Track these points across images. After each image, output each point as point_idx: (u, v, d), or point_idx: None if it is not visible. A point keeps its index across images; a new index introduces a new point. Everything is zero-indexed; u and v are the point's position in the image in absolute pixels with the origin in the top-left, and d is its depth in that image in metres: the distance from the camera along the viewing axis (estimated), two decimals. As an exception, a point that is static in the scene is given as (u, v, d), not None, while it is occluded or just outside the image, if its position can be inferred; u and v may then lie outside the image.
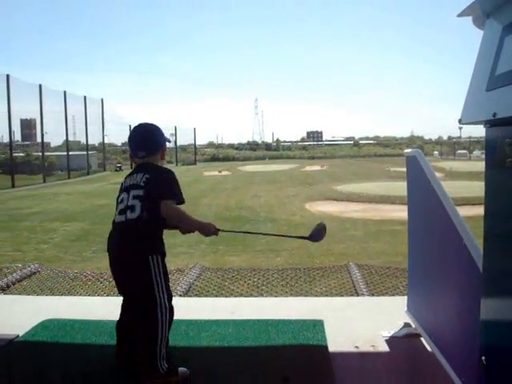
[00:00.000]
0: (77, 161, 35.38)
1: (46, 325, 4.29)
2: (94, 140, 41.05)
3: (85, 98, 36.73)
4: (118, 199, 3.37)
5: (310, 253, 8.18)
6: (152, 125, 3.52)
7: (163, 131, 3.57)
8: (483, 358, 1.75)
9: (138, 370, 3.20)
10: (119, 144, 57.97)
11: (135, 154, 3.44)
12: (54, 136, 35.91)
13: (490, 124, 1.73)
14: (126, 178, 3.43)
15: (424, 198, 3.50)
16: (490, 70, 1.66)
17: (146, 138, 3.45)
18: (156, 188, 3.20)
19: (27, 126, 41.66)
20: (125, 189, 3.34)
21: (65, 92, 33.66)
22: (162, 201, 3.13)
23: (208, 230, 3.28)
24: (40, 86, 30.06)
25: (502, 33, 1.65)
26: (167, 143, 3.63)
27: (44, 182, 28.41)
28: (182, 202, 3.23)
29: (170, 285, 5.90)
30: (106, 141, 43.22)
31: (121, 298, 5.43)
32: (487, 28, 1.78)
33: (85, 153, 36.96)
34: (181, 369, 3.28)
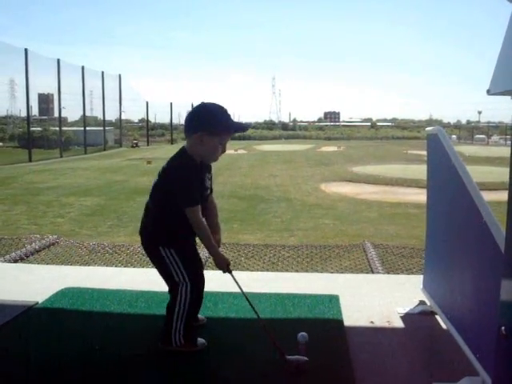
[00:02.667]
0: (93, 136, 35.47)
1: (65, 293, 4.36)
2: (111, 116, 41.16)
3: (102, 73, 36.78)
4: None
5: (324, 233, 8.19)
6: (203, 106, 3.29)
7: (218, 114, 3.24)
8: (503, 328, 1.76)
9: (162, 332, 3.32)
10: (136, 120, 58.17)
11: None
12: (71, 111, 36.20)
13: (519, 95, 1.72)
14: None
15: (444, 175, 3.48)
16: (522, 39, 1.65)
17: (187, 119, 3.31)
18: (168, 187, 3.22)
19: (45, 100, 41.87)
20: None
21: (83, 67, 33.70)
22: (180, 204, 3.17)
23: (221, 263, 3.26)
24: (58, 60, 30.11)
25: (536, 2, 1.63)
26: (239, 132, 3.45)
27: (61, 156, 28.60)
28: (190, 206, 3.14)
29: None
30: (122, 117, 43.35)
31: (141, 270, 5.54)
32: (520, -2, 1.76)
33: (101, 128, 37.07)
34: (199, 339, 3.33)
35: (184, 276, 3.23)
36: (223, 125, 3.22)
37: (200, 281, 3.32)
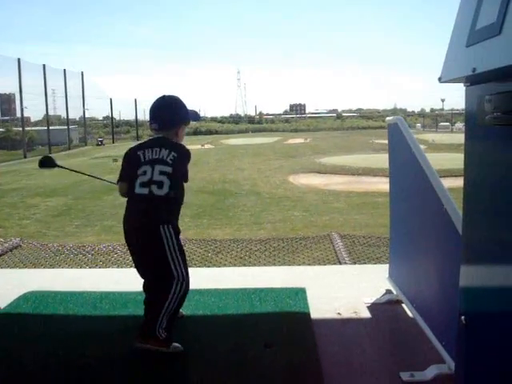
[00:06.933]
0: (58, 135, 34.81)
1: (27, 297, 4.26)
2: (75, 114, 40.53)
3: (64, 71, 36.12)
4: (136, 170, 3.31)
5: (294, 225, 8.20)
6: (173, 99, 3.49)
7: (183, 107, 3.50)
8: (462, 317, 1.77)
9: (142, 328, 3.25)
10: (100, 118, 57.47)
11: (150, 125, 3.50)
12: (33, 111, 35.48)
13: (470, 82, 1.72)
14: (141, 150, 3.37)
15: (405, 164, 3.50)
16: (470, 25, 1.64)
17: (161, 112, 3.45)
18: (181, 168, 3.36)
19: (6, 101, 40.96)
20: (148, 162, 3.30)
21: (44, 66, 33.06)
22: (184, 181, 3.39)
23: None
24: (19, 59, 29.47)
25: (483, -13, 1.62)
26: (193, 121, 3.68)
27: (24, 157, 28.00)
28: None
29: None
30: (87, 115, 42.68)
31: (105, 270, 5.46)
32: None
33: (65, 127, 36.47)
34: (175, 344, 3.25)
35: (183, 271, 3.23)
36: (190, 115, 3.56)
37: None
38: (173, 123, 3.43)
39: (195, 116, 3.69)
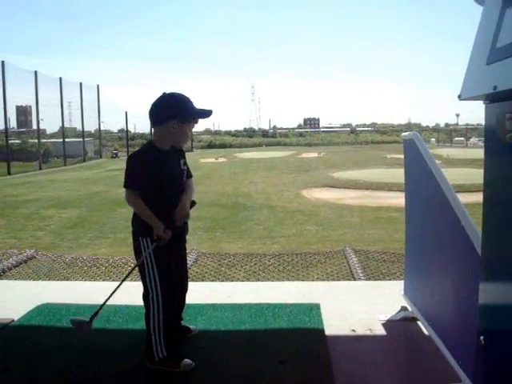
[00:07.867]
0: (73, 148, 35.09)
1: (41, 309, 4.27)
2: (90, 127, 40.83)
3: (80, 84, 36.51)
4: None
5: (307, 240, 8.16)
6: (166, 95, 3.29)
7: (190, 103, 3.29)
8: (481, 337, 1.74)
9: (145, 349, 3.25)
10: (115, 131, 57.79)
11: None
12: (49, 123, 35.74)
13: (490, 99, 1.70)
14: None
15: (421, 180, 3.47)
16: (491, 43, 1.63)
17: (152, 109, 3.29)
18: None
19: (23, 112, 41.50)
20: None
21: (60, 78, 33.44)
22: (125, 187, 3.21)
23: (156, 231, 3.11)
24: (35, 72, 29.87)
25: (503, 5, 1.61)
26: (201, 118, 3.38)
27: (40, 169, 28.26)
28: (128, 187, 3.17)
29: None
30: (102, 127, 42.98)
31: (117, 283, 5.44)
32: (488, 1, 1.75)
33: (81, 140, 36.73)
34: (186, 360, 3.22)
35: (156, 283, 3.16)
36: (192, 111, 3.30)
37: (171, 289, 3.27)
38: (160, 118, 3.26)
39: (201, 113, 3.35)
